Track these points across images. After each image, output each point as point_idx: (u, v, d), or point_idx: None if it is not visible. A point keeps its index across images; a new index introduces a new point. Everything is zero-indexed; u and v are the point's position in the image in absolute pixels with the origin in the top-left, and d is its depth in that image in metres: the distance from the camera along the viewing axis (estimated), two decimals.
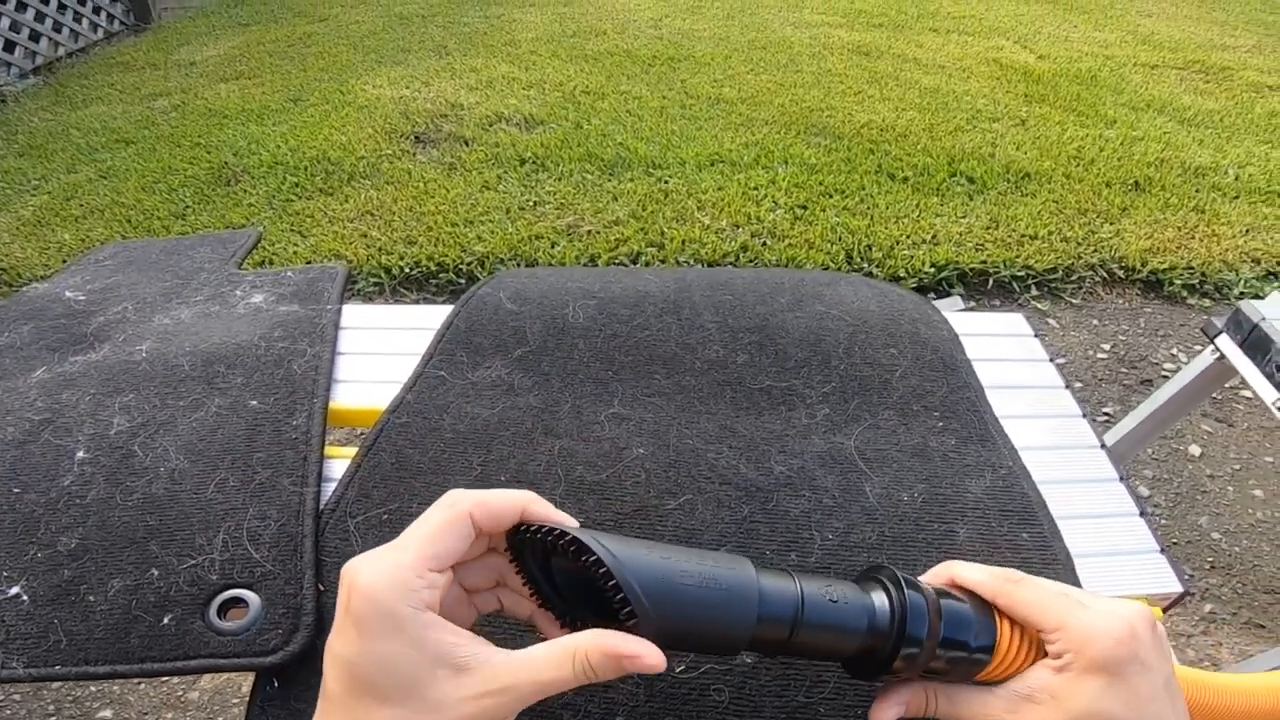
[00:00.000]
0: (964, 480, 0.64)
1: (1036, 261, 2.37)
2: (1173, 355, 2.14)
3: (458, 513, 0.37)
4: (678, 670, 0.50)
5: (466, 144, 2.98)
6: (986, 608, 0.42)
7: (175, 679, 1.41)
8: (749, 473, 0.62)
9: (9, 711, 1.37)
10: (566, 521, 0.38)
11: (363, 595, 0.33)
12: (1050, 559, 0.59)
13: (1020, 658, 0.40)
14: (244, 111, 3.30)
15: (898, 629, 0.39)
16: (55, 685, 1.40)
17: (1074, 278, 2.38)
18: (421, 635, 0.33)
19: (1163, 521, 1.67)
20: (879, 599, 0.40)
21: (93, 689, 1.39)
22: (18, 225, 2.55)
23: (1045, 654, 0.40)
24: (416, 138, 3.04)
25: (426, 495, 0.59)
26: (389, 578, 0.34)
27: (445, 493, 0.38)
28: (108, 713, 1.36)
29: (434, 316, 0.79)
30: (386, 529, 0.57)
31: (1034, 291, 2.33)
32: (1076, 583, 0.58)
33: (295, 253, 2.33)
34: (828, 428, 0.67)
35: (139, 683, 1.41)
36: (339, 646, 0.34)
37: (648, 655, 0.34)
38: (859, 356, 0.74)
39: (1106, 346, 2.17)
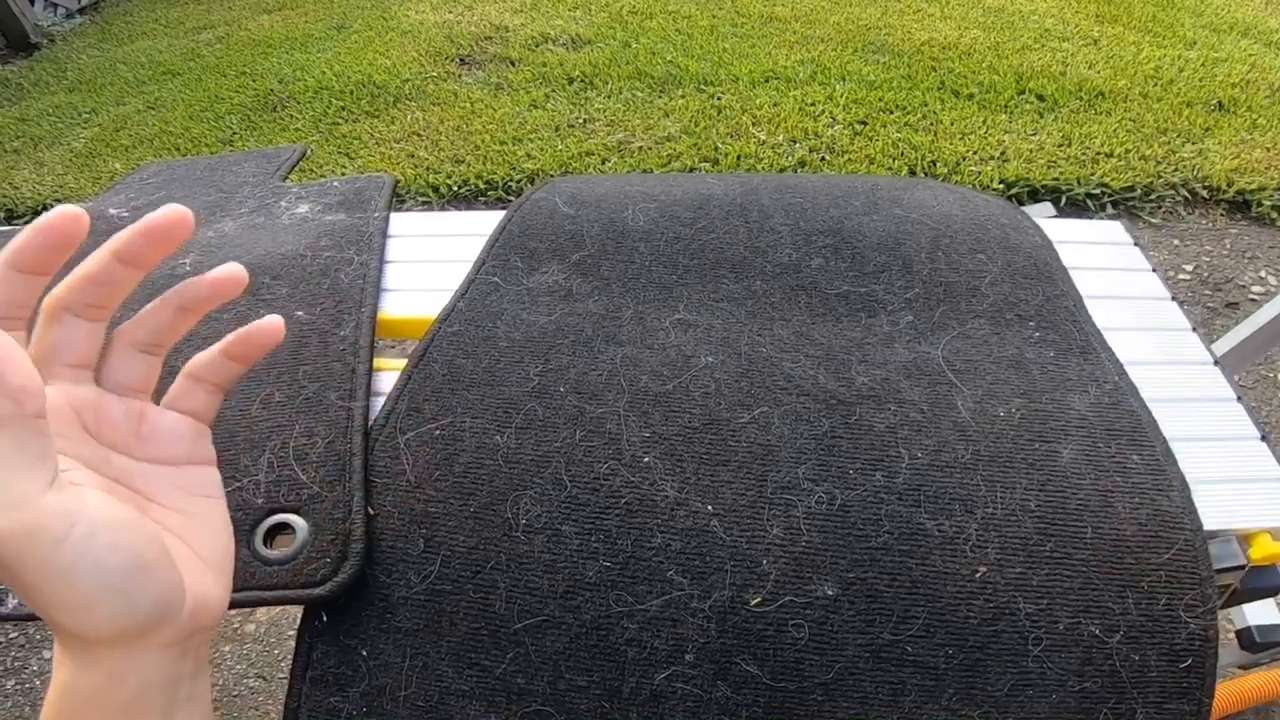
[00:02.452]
0: (1065, 395, 0.58)
1: (1113, 180, 2.23)
2: (1261, 278, 2.01)
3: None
4: (752, 603, 0.46)
5: (513, 64, 2.89)
6: None
7: (232, 611, 1.42)
8: (829, 383, 0.56)
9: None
10: None
11: None
12: (1164, 485, 0.53)
13: None
14: (288, 40, 3.25)
15: None
16: None
17: (1153, 197, 2.23)
18: None
19: None
20: None
21: None
22: (70, 157, 2.57)
23: None
24: (461, 60, 2.96)
25: (480, 408, 0.55)
26: None
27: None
28: None
29: (485, 222, 0.74)
30: (439, 445, 0.53)
31: (1110, 210, 2.20)
32: (1193, 512, 0.52)
33: (342, 174, 2.30)
34: (912, 336, 0.61)
35: None
36: None
37: None
38: (943, 262, 0.68)
39: (1189, 268, 2.04)
